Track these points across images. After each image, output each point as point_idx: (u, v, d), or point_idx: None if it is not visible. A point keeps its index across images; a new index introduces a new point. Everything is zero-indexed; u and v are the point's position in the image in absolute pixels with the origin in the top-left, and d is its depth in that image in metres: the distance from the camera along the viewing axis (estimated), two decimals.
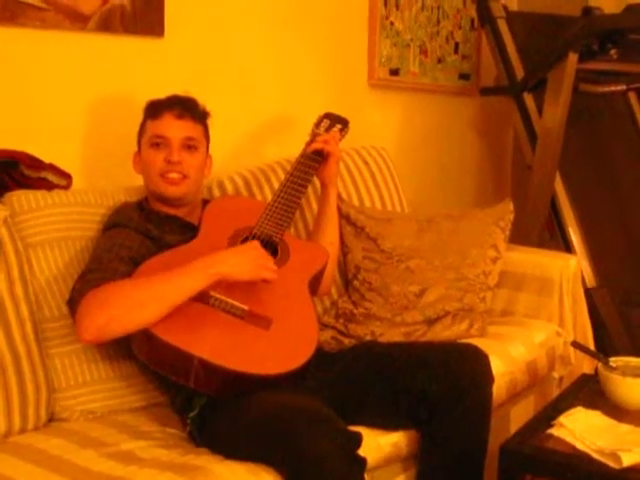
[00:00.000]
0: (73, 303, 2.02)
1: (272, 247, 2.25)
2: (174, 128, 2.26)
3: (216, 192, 2.69)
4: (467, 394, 2.05)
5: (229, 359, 1.93)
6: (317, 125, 2.61)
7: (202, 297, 2.02)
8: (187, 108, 2.30)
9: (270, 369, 1.97)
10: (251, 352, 1.99)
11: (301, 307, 2.16)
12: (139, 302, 1.94)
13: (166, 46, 2.77)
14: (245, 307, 2.05)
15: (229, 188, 2.71)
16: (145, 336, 1.96)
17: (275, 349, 2.02)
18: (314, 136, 2.55)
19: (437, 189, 4.05)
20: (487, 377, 2.14)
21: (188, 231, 2.28)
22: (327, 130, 2.58)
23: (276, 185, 2.70)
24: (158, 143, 2.26)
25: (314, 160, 2.48)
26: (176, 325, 1.95)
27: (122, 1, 2.59)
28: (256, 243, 2.14)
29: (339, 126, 2.61)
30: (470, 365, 2.11)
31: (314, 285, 2.32)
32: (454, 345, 2.31)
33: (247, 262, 2.06)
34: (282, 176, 2.71)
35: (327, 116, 2.65)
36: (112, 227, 2.24)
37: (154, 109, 2.30)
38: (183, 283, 1.99)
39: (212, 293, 2.04)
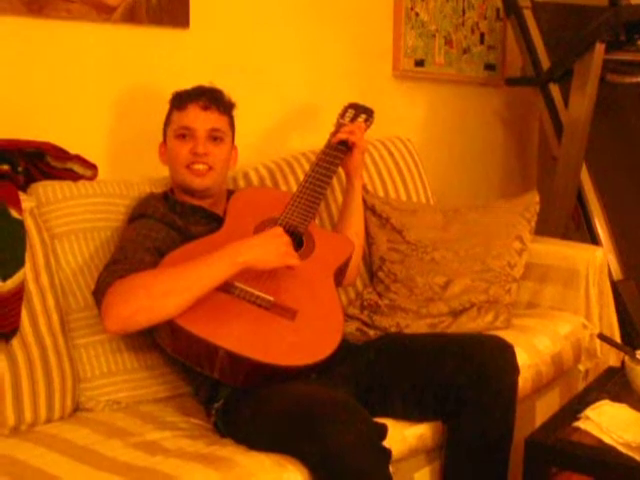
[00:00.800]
0: (99, 293, 2.03)
1: (297, 238, 2.25)
2: (200, 119, 2.26)
3: (241, 183, 2.69)
4: (493, 385, 2.04)
5: (254, 350, 1.93)
6: (342, 115, 2.60)
7: (227, 288, 2.02)
8: (213, 99, 2.29)
9: (295, 360, 1.97)
10: (276, 343, 1.98)
11: (326, 298, 2.16)
12: (164, 293, 1.94)
13: (191, 37, 2.77)
14: (270, 298, 2.05)
15: (254, 179, 2.71)
16: (170, 327, 1.96)
17: (300, 340, 2.01)
18: (339, 126, 2.54)
19: (462, 180, 4.03)
20: (513, 368, 2.13)
21: (213, 222, 2.28)
22: (352, 120, 2.57)
23: (301, 176, 2.70)
24: (184, 134, 2.26)
25: (339, 151, 2.47)
26: (201, 316, 1.95)
27: None
28: (279, 229, 2.12)
29: (364, 116, 2.60)
30: (495, 356, 2.10)
31: (339, 276, 2.31)
32: (479, 337, 2.30)
33: (272, 249, 2.05)
34: (307, 167, 2.71)
35: (352, 106, 2.63)
36: (137, 218, 2.24)
37: (180, 100, 2.30)
38: (209, 272, 1.98)
39: (237, 284, 2.04)
